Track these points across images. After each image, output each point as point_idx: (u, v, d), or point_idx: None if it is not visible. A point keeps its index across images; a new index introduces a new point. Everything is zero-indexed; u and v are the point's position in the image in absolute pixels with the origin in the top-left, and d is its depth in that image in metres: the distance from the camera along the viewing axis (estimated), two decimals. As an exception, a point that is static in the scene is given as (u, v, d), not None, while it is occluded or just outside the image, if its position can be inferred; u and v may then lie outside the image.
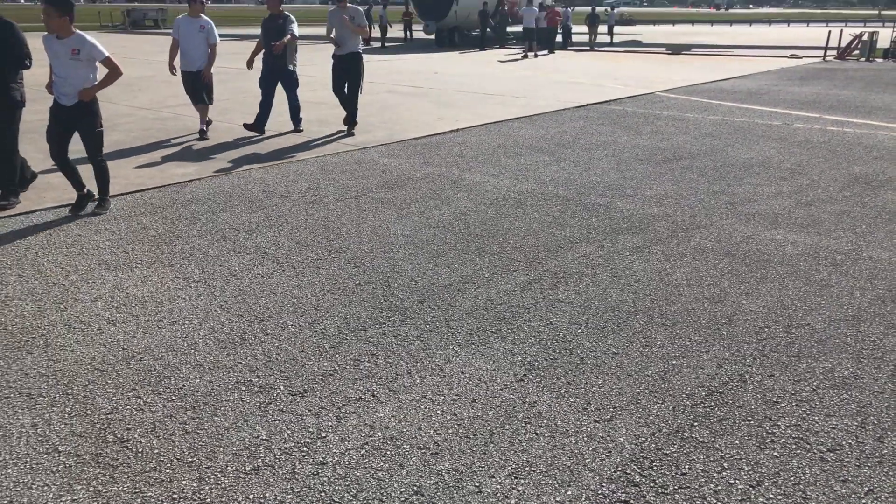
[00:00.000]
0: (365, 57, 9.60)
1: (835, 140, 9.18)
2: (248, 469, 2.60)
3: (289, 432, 2.82)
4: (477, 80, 16.38)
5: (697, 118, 10.93)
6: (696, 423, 2.91)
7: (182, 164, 7.51)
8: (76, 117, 5.50)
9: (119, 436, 2.80)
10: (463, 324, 3.82)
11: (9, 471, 2.59)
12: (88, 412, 2.98)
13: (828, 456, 2.68)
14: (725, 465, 2.63)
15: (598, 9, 32.28)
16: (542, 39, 24.84)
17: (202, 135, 8.90)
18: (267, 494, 2.47)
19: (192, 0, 8.61)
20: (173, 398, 3.08)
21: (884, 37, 25.95)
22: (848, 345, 3.59)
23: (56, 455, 2.68)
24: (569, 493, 2.48)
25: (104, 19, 47.99)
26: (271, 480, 2.54)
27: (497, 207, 6.03)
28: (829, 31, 26.10)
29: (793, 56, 24.35)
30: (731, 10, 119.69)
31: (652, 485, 2.52)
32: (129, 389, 3.15)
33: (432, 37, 30.36)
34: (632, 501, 2.44)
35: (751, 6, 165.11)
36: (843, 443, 2.77)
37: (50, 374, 3.27)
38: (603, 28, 31.99)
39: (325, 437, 2.80)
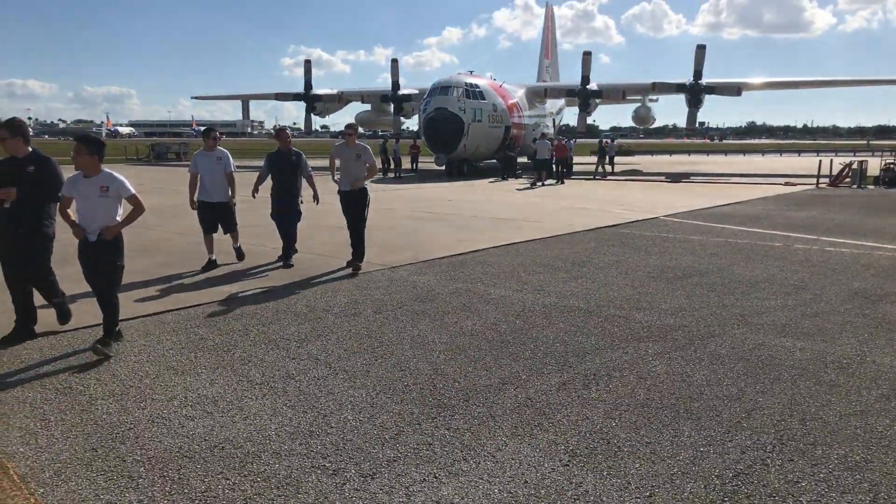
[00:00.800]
0: (382, 186, 10.48)
1: (833, 259, 9.77)
2: (335, 535, 2.96)
3: (366, 506, 3.19)
4: (490, 206, 17.34)
5: (702, 240, 11.62)
6: (726, 499, 3.26)
7: (227, 283, 8.09)
8: (101, 251, 5.45)
9: (217, 509, 3.17)
10: (507, 418, 4.22)
11: (127, 537, 2.95)
12: (186, 491, 3.36)
13: (847, 525, 3.03)
14: (756, 532, 2.97)
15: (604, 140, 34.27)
16: (551, 169, 26.34)
17: (239, 255, 9.28)
18: (356, 555, 2.82)
19: (206, 135, 9.10)
20: (258, 480, 3.46)
21: (873, 165, 27.29)
22: (858, 434, 3.97)
23: (165, 524, 3.04)
24: (620, 554, 2.82)
25: (130, 153, 50.57)
26: (358, 544, 2.89)
27: (524, 318, 6.53)
28: (820, 160, 27.50)
29: (787, 183, 25.55)
30: (724, 141, 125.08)
31: (693, 548, 2.86)
32: (218, 473, 3.54)
33: (443, 168, 31.95)
34: (677, 561, 2.78)
35: (744, 137, 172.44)
36: (860, 514, 3.11)
37: (145, 461, 3.66)
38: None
39: (398, 510, 3.16)
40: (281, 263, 9.16)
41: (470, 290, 7.77)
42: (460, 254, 10.16)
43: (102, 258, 5.47)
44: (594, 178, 29.07)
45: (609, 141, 36.21)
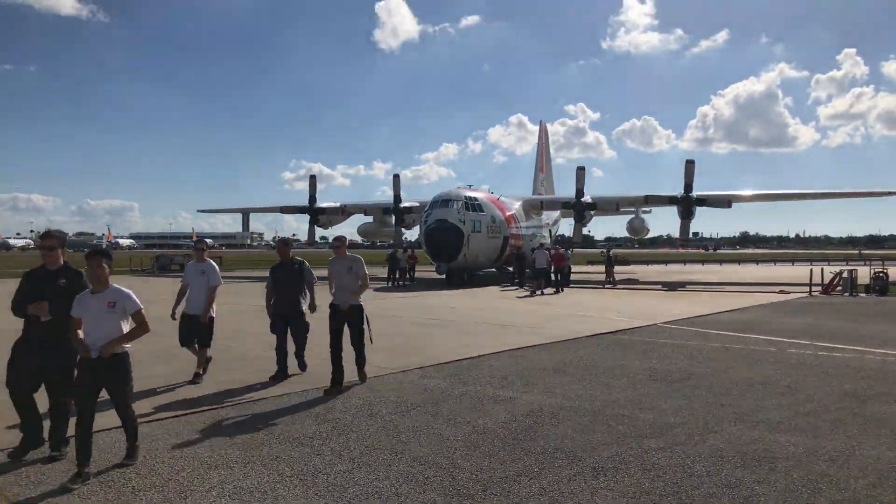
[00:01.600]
0: (385, 295, 10.93)
1: (826, 363, 10.19)
2: None
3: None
4: (492, 313, 17.85)
5: (699, 345, 12.06)
6: (728, 573, 3.59)
7: (246, 388, 8.47)
8: (106, 370, 5.29)
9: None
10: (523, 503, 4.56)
11: None
12: (235, 567, 3.67)
13: None
14: None
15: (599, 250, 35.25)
16: (549, 278, 27.03)
17: (196, 378, 8.71)
18: None
19: (196, 247, 9.23)
20: (299, 558, 3.79)
21: (863, 274, 28.04)
22: (847, 518, 4.31)
23: None
24: None
25: (134, 264, 51.51)
26: None
27: (533, 418, 6.91)
28: (812, 269, 28.29)
29: (781, 292, 26.17)
30: (719, 251, 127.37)
31: None
32: (262, 552, 3.86)
33: (443, 276, 32.69)
34: None
35: (737, 247, 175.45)
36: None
37: (193, 542, 3.99)
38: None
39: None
40: (272, 378, 8.85)
41: (479, 392, 8.16)
42: (467, 358, 10.57)
43: (109, 377, 5.30)
44: (604, 287, 29.70)
45: (605, 251, 37.21)
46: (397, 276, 32.42)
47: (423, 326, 14.78)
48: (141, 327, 5.48)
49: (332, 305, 8.60)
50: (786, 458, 5.57)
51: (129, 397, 5.51)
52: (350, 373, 8.62)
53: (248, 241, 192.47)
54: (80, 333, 5.35)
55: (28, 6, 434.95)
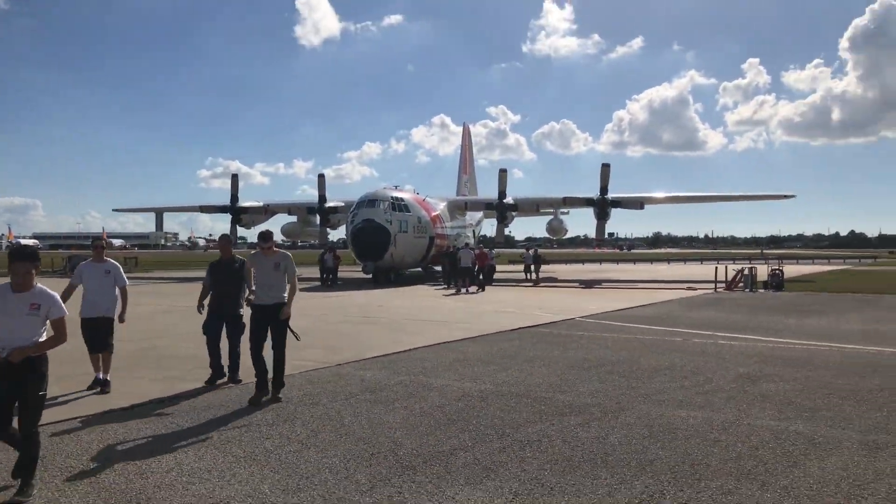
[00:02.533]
0: (310, 294, 11.19)
1: (725, 351, 11.27)
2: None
3: (358, 533, 4.02)
4: (420, 310, 18.42)
5: (613, 336, 13.00)
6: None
7: (185, 384, 8.72)
8: (18, 375, 4.73)
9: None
10: (460, 473, 5.15)
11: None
12: (206, 531, 4.09)
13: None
14: (655, 534, 3.99)
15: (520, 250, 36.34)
16: (473, 276, 27.87)
17: (104, 386, 8.08)
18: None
19: (95, 245, 8.53)
20: (264, 521, 4.23)
21: (762, 272, 30.17)
22: (732, 472, 5.11)
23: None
24: (557, 552, 3.77)
25: (45, 264, 49.35)
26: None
27: (465, 401, 7.51)
28: (717, 268, 30.24)
29: (689, 288, 27.88)
30: (633, 251, 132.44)
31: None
32: (229, 518, 4.29)
33: (369, 276, 33.02)
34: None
35: (650, 247, 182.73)
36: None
37: (163, 513, 4.36)
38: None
39: (384, 534, 4.02)
40: (205, 384, 8.44)
41: (413, 381, 8.70)
42: (399, 352, 11.10)
43: (22, 384, 4.72)
44: (529, 285, 30.69)
45: (525, 250, 38.36)
46: (327, 276, 32.34)
47: (355, 324, 15.19)
48: (60, 337, 4.93)
49: (253, 305, 7.94)
50: (685, 428, 6.38)
51: (41, 411, 4.91)
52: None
53: (163, 242, 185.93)
54: None
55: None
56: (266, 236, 8.14)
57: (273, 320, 7.88)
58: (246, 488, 4.84)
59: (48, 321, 4.87)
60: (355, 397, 7.76)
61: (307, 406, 7.37)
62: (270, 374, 7.80)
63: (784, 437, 6.08)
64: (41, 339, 4.84)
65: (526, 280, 33.30)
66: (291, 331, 8.02)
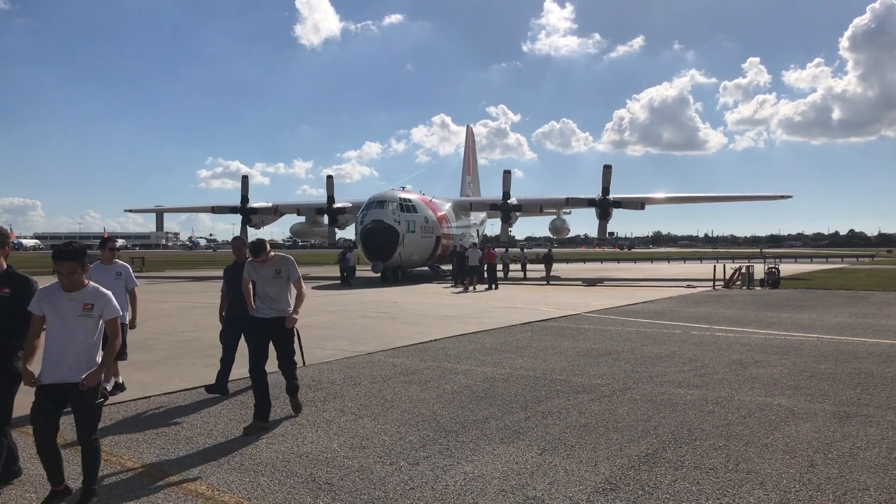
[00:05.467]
0: (326, 292, 11.95)
1: (721, 341, 12.26)
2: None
3: (413, 483, 5.03)
4: (433, 307, 19.42)
5: (617, 329, 13.99)
6: (642, 465, 5.27)
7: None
8: (75, 390, 4.45)
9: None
10: (494, 435, 6.15)
11: None
12: (291, 478, 5.08)
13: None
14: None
15: (513, 250, 37.31)
16: (482, 275, 28.90)
17: (118, 388, 7.92)
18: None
19: (102, 246, 8.02)
20: (338, 471, 5.23)
21: (759, 270, 31.17)
22: (722, 434, 6.11)
23: None
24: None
25: (46, 265, 50.28)
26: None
27: (489, 382, 8.51)
28: (715, 266, 31.24)
29: (689, 286, 28.87)
30: (634, 250, 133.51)
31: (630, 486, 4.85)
32: (307, 470, 5.28)
33: (378, 275, 34.01)
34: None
35: (651, 246, 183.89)
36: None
37: (263, 463, 5.36)
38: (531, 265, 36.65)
39: (429, 486, 5.02)
40: (208, 394, 7.93)
41: (440, 366, 9.70)
42: (422, 342, 12.09)
43: (80, 395, 4.46)
44: (548, 283, 31.51)
45: (521, 249, 39.26)
46: (348, 274, 32.92)
47: (373, 319, 16.19)
48: (114, 341, 4.61)
49: (252, 319, 6.95)
50: (684, 403, 7.38)
51: (99, 417, 4.68)
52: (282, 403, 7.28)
53: (164, 241, 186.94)
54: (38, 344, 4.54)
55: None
56: (259, 248, 6.85)
57: (276, 335, 6.87)
58: (319, 447, 5.83)
59: (102, 322, 4.58)
60: (391, 379, 8.76)
61: (350, 386, 8.36)
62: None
63: (768, 409, 7.08)
64: (99, 354, 4.60)
65: (524, 278, 34.27)
66: (300, 344, 7.23)
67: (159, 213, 58.06)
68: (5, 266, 4.75)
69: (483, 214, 48.76)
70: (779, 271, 29.42)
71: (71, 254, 4.43)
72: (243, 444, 5.94)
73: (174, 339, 12.63)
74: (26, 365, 4.42)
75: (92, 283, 4.62)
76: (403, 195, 34.81)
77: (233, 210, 43.43)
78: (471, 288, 27.32)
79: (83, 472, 4.56)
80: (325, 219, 42.37)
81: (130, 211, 66.25)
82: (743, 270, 29.08)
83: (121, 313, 4.73)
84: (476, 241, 43.48)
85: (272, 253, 6.98)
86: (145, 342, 11.99)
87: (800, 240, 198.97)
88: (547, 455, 5.57)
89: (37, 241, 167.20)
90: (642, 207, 38.34)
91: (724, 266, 30.75)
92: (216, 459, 5.54)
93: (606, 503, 4.58)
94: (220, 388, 7.99)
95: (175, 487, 4.91)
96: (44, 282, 4.89)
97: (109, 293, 4.64)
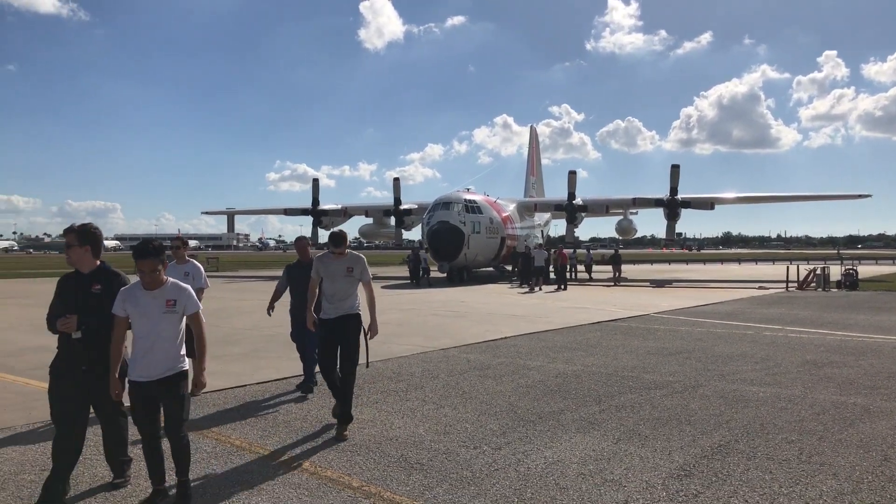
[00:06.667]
0: (395, 291, 12.33)
1: (794, 342, 12.18)
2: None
3: (506, 461, 5.41)
4: (500, 306, 19.75)
5: (688, 330, 14.02)
6: (715, 455, 5.51)
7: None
8: (166, 389, 4.54)
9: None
10: (571, 425, 6.47)
11: None
12: (378, 462, 5.54)
13: (783, 462, 5.29)
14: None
15: (580, 251, 37.14)
16: (547, 275, 29.11)
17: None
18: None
19: (176, 246, 7.98)
20: (425, 453, 5.66)
21: (836, 271, 30.25)
22: (795, 428, 6.26)
23: None
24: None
25: (127, 265, 52.78)
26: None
27: (562, 378, 8.81)
28: (788, 267, 30.48)
29: (760, 288, 28.28)
30: (702, 251, 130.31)
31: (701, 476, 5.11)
32: (395, 453, 5.73)
33: (444, 275, 34.55)
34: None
35: (720, 247, 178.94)
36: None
37: (357, 447, 5.84)
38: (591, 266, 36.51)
39: (512, 468, 5.39)
40: (300, 392, 8.10)
41: (512, 362, 10.05)
42: (492, 340, 12.46)
43: (168, 392, 4.55)
44: (615, 284, 31.23)
45: (587, 250, 38.81)
46: (423, 274, 33.41)
47: (444, 317, 16.65)
48: (200, 337, 4.69)
49: (320, 321, 6.62)
50: (756, 399, 7.52)
51: (188, 409, 4.73)
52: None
53: (234, 242, 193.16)
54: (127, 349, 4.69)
55: (7, 4, 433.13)
56: (339, 238, 6.65)
57: (341, 336, 6.50)
58: (406, 432, 6.28)
59: (184, 317, 4.64)
60: (467, 373, 9.16)
61: (429, 379, 8.80)
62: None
63: (843, 407, 7.16)
64: (183, 348, 4.66)
65: (590, 279, 34.18)
66: (367, 344, 6.72)
67: (231, 215, 60.24)
68: (98, 263, 4.84)
69: (547, 215, 48.79)
70: (857, 273, 28.49)
71: (151, 252, 4.50)
72: (332, 426, 6.43)
73: (258, 334, 13.36)
74: (114, 374, 4.56)
75: (171, 280, 4.71)
76: (469, 196, 35.26)
77: (304, 212, 44.79)
78: (536, 288, 27.51)
79: (175, 467, 4.60)
80: (392, 220, 43.26)
81: (206, 213, 69.07)
82: (818, 272, 28.30)
83: (201, 307, 4.72)
84: (541, 241, 43.61)
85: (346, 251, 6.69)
86: (232, 337, 12.76)
87: (881, 240, 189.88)
88: (622, 444, 5.86)
89: (117, 241, 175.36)
90: (712, 207, 37.67)
91: (798, 267, 29.99)
92: (313, 440, 6.06)
93: (681, 488, 4.85)
94: (306, 387, 8.13)
95: (282, 464, 5.43)
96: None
97: (189, 287, 4.69)
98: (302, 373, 8.35)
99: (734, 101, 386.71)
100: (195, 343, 4.68)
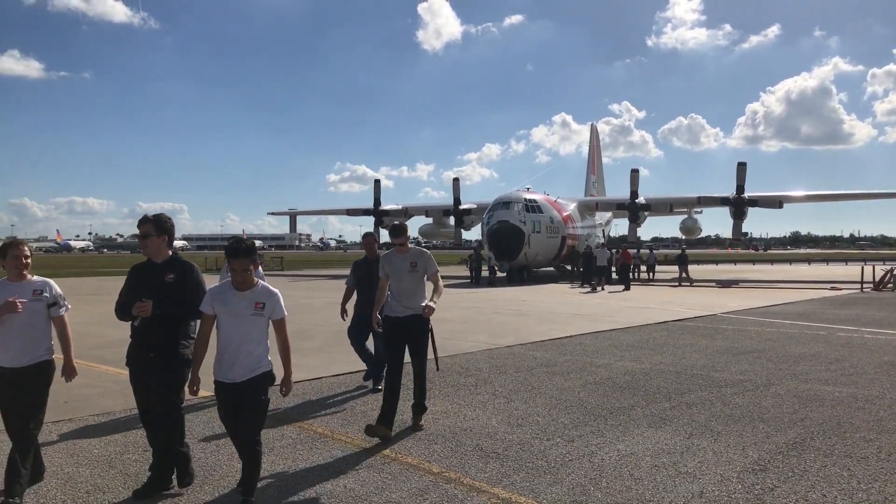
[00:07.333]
0: (456, 291, 12.38)
1: (870, 343, 11.86)
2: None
3: (594, 447, 5.56)
4: (563, 306, 19.77)
5: (757, 330, 13.79)
6: (791, 451, 5.52)
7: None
8: (251, 392, 4.48)
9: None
10: (642, 420, 6.55)
11: None
12: (457, 450, 5.75)
13: (861, 459, 5.27)
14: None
15: (643, 251, 36.53)
16: (609, 275, 28.86)
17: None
18: (584, 465, 5.17)
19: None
20: (499, 444, 5.85)
21: (914, 271, 29.01)
22: (872, 427, 6.20)
23: None
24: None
25: (209, 263, 54.56)
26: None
27: (630, 375, 8.86)
28: (863, 267, 29.40)
29: (833, 288, 27.39)
30: (769, 251, 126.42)
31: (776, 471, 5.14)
32: (472, 442, 5.93)
33: (504, 274, 34.64)
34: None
35: (788, 247, 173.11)
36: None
37: (434, 437, 6.08)
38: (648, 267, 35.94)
39: (586, 458, 5.52)
40: (369, 387, 8.16)
41: (579, 360, 10.13)
42: (558, 338, 12.54)
43: (249, 398, 4.48)
44: (679, 285, 30.54)
45: (649, 250, 37.95)
46: (487, 273, 33.41)
47: (507, 316, 16.79)
48: (284, 342, 4.63)
49: (386, 319, 6.49)
50: (832, 399, 7.43)
51: (265, 417, 4.66)
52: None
53: (297, 242, 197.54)
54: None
55: (82, 14, 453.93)
56: (399, 229, 6.49)
57: (410, 335, 6.40)
58: (479, 423, 6.48)
59: (270, 321, 4.57)
60: (535, 369, 9.30)
61: (497, 374, 8.98)
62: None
63: (923, 408, 7.01)
64: (268, 363, 4.58)
65: (652, 280, 33.69)
66: (434, 347, 6.62)
67: (293, 216, 61.80)
68: (170, 253, 4.87)
69: (609, 214, 48.29)
70: (937, 273, 27.26)
71: (244, 251, 4.45)
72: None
73: (328, 329, 13.77)
74: (196, 370, 4.56)
75: (262, 282, 4.64)
76: (529, 196, 35.25)
77: (366, 212, 45.59)
78: (599, 288, 27.33)
79: (244, 473, 4.48)
80: (452, 220, 43.60)
81: (272, 214, 71.22)
82: (895, 272, 27.21)
83: (285, 314, 4.60)
84: (603, 241, 43.17)
85: (409, 246, 6.54)
86: (305, 332, 13.21)
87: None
88: (694, 439, 5.93)
89: (184, 242, 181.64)
90: (780, 206, 36.66)
91: (874, 267, 28.90)
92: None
93: (757, 481, 4.90)
94: (377, 381, 8.02)
95: (364, 451, 5.70)
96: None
97: (278, 292, 4.60)
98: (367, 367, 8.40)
99: (803, 95, 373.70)
100: (280, 349, 4.62)
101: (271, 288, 4.61)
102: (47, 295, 4.71)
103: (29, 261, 4.71)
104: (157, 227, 4.78)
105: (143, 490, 4.68)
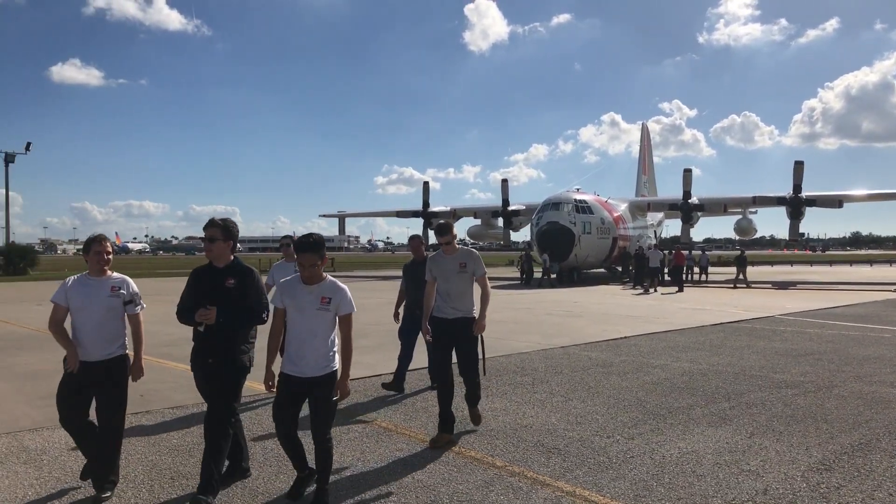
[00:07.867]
0: (505, 292, 12.34)
1: (937, 346, 11.54)
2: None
3: (653, 447, 5.64)
4: (615, 307, 19.67)
5: (817, 332, 13.52)
6: (855, 453, 5.49)
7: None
8: (319, 390, 4.49)
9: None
10: (702, 420, 6.58)
11: None
12: (514, 446, 5.88)
13: None
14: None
15: (695, 252, 35.77)
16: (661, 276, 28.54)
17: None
18: (645, 462, 5.26)
19: (286, 243, 8.05)
20: (560, 440, 5.96)
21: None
22: (943, 431, 6.10)
23: None
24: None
25: (263, 264, 55.80)
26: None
27: (688, 376, 8.85)
28: (929, 268, 28.35)
29: (896, 290, 26.48)
30: (827, 252, 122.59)
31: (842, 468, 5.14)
32: (532, 438, 6.06)
33: (554, 276, 34.52)
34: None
35: (847, 248, 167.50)
36: (939, 458, 5.28)
37: (486, 434, 6.24)
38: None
39: (647, 455, 5.59)
40: (393, 391, 7.97)
41: (635, 360, 10.15)
42: (612, 339, 12.55)
43: (317, 393, 4.48)
44: (735, 287, 29.86)
45: (702, 252, 37.08)
46: (542, 276, 33.25)
47: (560, 317, 16.82)
48: (347, 340, 4.57)
49: (433, 320, 6.27)
50: (894, 401, 7.32)
51: (334, 414, 4.66)
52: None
53: (346, 244, 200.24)
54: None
55: (139, 23, 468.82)
56: (444, 228, 6.30)
57: (458, 338, 6.18)
58: (539, 420, 6.61)
59: (337, 317, 4.54)
60: (590, 369, 9.36)
61: (553, 374, 9.08)
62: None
63: None
64: (337, 362, 4.58)
65: (704, 281, 33.12)
66: (482, 351, 6.49)
67: (342, 218, 62.65)
68: (232, 258, 4.82)
69: (660, 215, 47.65)
70: None
71: (312, 245, 4.44)
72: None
73: (383, 328, 14.03)
74: (270, 366, 4.56)
75: (330, 277, 4.59)
76: (579, 196, 35.10)
77: (415, 214, 46.01)
78: (651, 290, 27.05)
79: (317, 470, 4.54)
80: (500, 221, 43.68)
81: (323, 216, 71.99)
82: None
83: (354, 310, 4.51)
84: (654, 242, 42.63)
85: (457, 246, 6.33)
86: (362, 331, 13.47)
87: None
88: (756, 438, 5.94)
89: (143, 244, 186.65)
90: (840, 206, 35.65)
91: (941, 269, 27.82)
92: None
93: (822, 480, 4.91)
94: (397, 386, 8.00)
95: (428, 444, 5.88)
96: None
97: (346, 288, 4.57)
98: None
99: (864, 91, 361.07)
100: (342, 346, 4.55)
101: (339, 283, 4.57)
102: (124, 292, 4.89)
103: (110, 257, 4.92)
104: (224, 231, 4.73)
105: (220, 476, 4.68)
